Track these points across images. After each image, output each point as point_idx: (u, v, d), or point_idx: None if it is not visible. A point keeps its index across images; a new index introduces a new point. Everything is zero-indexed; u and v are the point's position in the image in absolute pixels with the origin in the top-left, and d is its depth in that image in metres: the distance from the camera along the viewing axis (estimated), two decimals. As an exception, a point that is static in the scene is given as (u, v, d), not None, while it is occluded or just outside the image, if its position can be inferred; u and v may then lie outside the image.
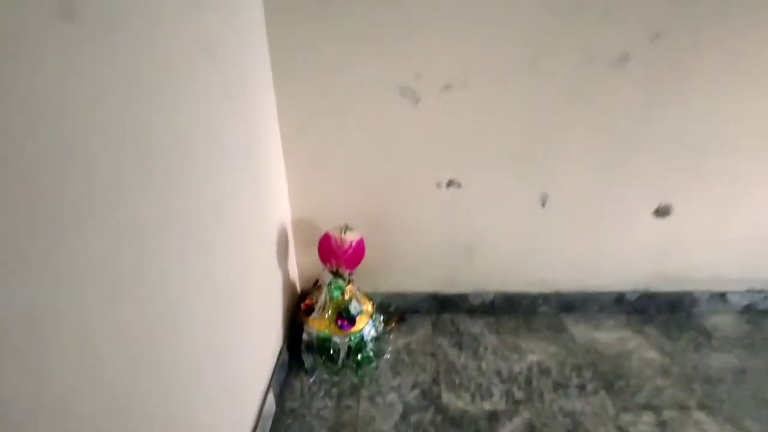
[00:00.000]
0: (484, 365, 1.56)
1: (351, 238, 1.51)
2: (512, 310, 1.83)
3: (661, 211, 1.67)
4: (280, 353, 1.50)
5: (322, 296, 1.58)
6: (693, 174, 1.62)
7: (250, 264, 1.26)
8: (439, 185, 1.64)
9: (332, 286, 1.55)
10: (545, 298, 1.82)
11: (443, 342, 1.68)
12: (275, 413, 1.38)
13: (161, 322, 0.77)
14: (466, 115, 1.53)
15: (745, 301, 1.82)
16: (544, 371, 1.52)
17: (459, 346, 1.66)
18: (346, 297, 1.58)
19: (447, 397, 1.42)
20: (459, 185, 1.64)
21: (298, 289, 1.81)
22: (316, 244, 1.56)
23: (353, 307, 1.57)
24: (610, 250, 1.74)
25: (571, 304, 1.82)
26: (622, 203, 1.67)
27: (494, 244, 1.74)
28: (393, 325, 1.77)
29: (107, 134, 0.61)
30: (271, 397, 1.36)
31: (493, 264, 1.78)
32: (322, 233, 1.55)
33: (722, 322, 1.76)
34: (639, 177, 1.62)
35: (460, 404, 1.40)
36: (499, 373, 1.52)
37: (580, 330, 1.73)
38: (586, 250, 1.74)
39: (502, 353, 1.61)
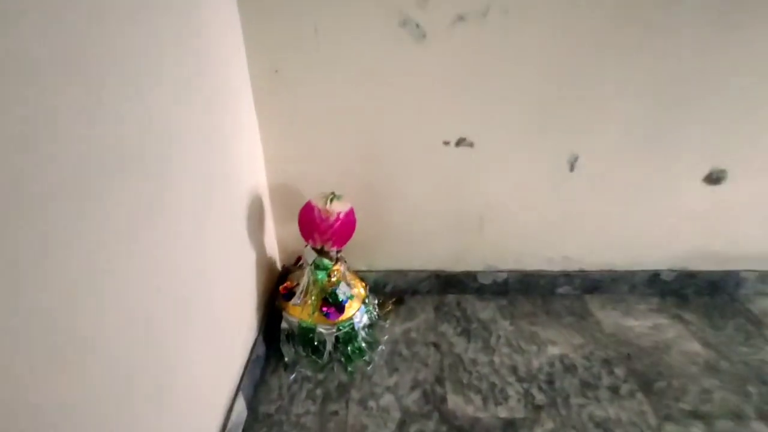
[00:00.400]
0: (497, 359, 1.31)
1: (338, 208, 1.23)
2: (528, 291, 1.58)
3: (714, 178, 1.38)
4: (254, 345, 1.25)
5: (304, 279, 1.31)
6: (756, 135, 1.33)
7: (213, 240, 0.99)
8: (446, 144, 1.35)
9: (316, 268, 1.28)
10: (567, 277, 1.56)
11: (448, 330, 1.43)
12: (246, 420, 1.14)
13: (94, 313, 0.58)
14: (483, 56, 1.22)
15: (798, 282, 1.57)
16: (569, 368, 1.28)
17: (467, 334, 1.41)
18: (333, 279, 1.31)
19: (453, 401, 1.18)
20: (471, 144, 1.35)
21: (279, 267, 1.54)
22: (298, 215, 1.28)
23: (341, 292, 1.31)
24: (648, 222, 1.47)
25: (597, 285, 1.57)
26: (668, 167, 1.38)
27: (510, 214, 1.47)
28: (389, 308, 1.52)
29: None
30: (241, 401, 1.12)
31: (507, 237, 1.51)
32: (304, 203, 1.26)
33: (771, 306, 1.51)
34: (691, 136, 1.33)
35: (470, 410, 1.16)
36: (514, 370, 1.28)
37: (607, 316, 1.48)
38: (618, 223, 1.47)
39: (518, 345, 1.37)
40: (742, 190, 1.40)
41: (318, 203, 1.23)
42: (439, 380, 1.25)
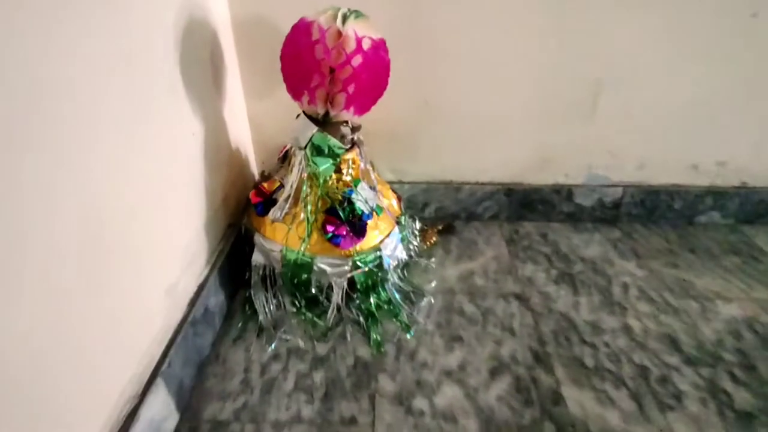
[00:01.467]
0: (635, 324, 0.74)
1: (361, 31, 0.62)
2: (653, 217, 1.00)
3: None
4: (197, 296, 0.67)
5: (292, 175, 0.72)
6: None
7: (126, 109, 0.40)
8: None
9: (313, 152, 0.69)
10: (718, 195, 0.97)
11: (536, 273, 0.85)
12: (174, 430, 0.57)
13: None
14: None
15: None
16: (764, 338, 0.71)
17: (569, 282, 0.83)
18: (346, 176, 0.72)
19: (575, 400, 0.62)
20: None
21: (253, 168, 0.95)
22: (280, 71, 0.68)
23: (361, 199, 0.72)
24: None
25: (764, 211, 0.98)
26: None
27: (637, 86, 0.87)
28: (434, 239, 0.94)
29: None
30: (159, 399, 0.55)
31: (626, 128, 0.91)
32: (300, 18, 0.66)
33: None
34: None
35: (613, 419, 0.59)
36: (675, 343, 0.71)
37: (794, 256, 0.90)
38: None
39: (665, 300, 0.79)
40: None
41: (322, 20, 0.62)
42: (541, 359, 0.68)
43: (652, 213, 0.99)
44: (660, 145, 0.93)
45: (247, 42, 0.82)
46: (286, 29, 0.66)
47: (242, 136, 0.87)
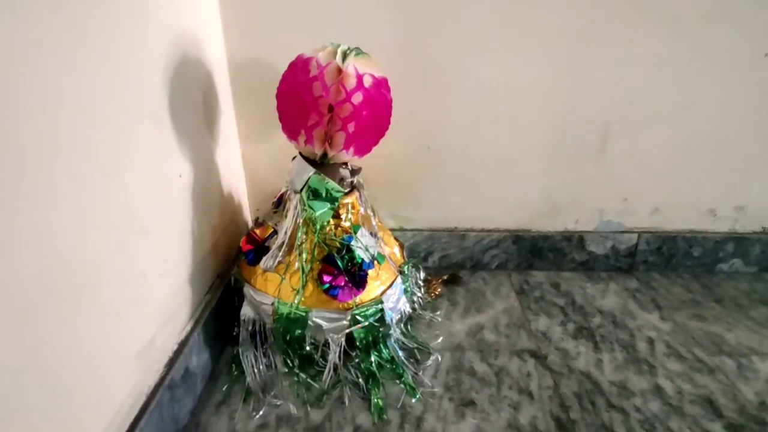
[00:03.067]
0: (667, 385, 0.66)
1: (362, 68, 0.59)
2: (671, 265, 0.94)
3: None
4: (177, 356, 0.59)
5: (287, 220, 0.67)
6: None
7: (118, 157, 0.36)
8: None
9: (309, 196, 0.64)
10: (739, 242, 0.92)
11: (551, 327, 0.78)
12: None
13: None
14: None
15: None
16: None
17: (589, 337, 0.76)
18: (345, 222, 0.67)
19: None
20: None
21: (247, 215, 0.90)
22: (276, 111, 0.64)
23: (362, 245, 0.66)
24: None
25: (788, 256, 0.93)
26: None
27: (648, 131, 0.83)
28: (438, 290, 0.87)
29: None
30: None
31: (640, 172, 0.87)
32: (299, 55, 0.63)
33: None
34: None
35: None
36: (712, 405, 0.63)
37: None
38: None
39: (695, 356, 0.72)
40: None
41: (320, 57, 0.60)
42: (565, 427, 0.59)
43: (669, 260, 0.93)
44: (674, 190, 0.89)
45: (243, 83, 0.79)
46: (284, 70, 0.64)
47: (235, 180, 0.83)
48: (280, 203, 0.75)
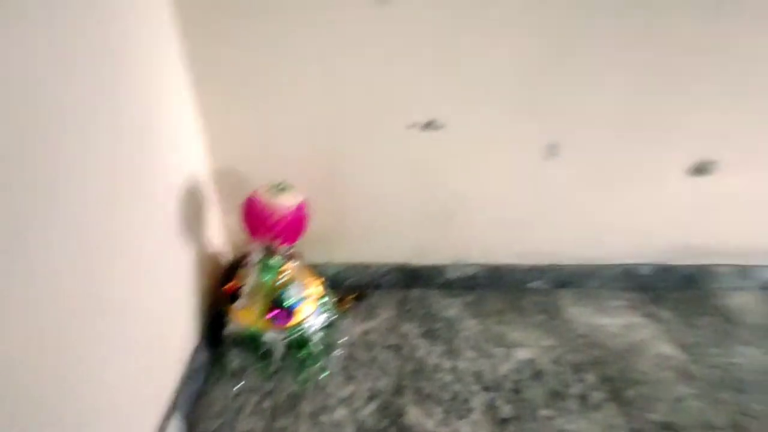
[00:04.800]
0: (461, 365, 1.22)
1: (287, 201, 1.08)
2: (498, 285, 1.48)
3: (699, 169, 1.28)
4: (195, 354, 1.12)
5: (250, 279, 1.17)
6: (749, 126, 1.22)
7: (133, 237, 0.85)
8: (413, 127, 1.21)
9: (262, 268, 1.14)
10: (539, 271, 1.46)
11: (411, 330, 1.33)
12: (182, 440, 1.02)
13: None
14: (454, 23, 1.07)
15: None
16: (537, 375, 1.20)
17: (431, 335, 1.31)
18: (282, 280, 1.17)
19: (413, 415, 1.09)
20: (440, 127, 1.21)
21: (231, 259, 1.39)
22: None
23: (291, 295, 1.17)
24: (626, 213, 1.37)
25: (570, 279, 1.48)
26: (651, 157, 1.27)
27: (481, 204, 1.35)
28: (349, 305, 1.40)
29: None
30: (176, 421, 1.00)
31: (478, 228, 1.39)
32: (250, 193, 1.11)
33: (746, 302, 1.45)
34: (679, 124, 1.22)
35: (430, 425, 1.07)
36: (480, 376, 1.19)
37: (579, 314, 1.39)
38: (595, 214, 1.37)
39: (485, 347, 1.27)
40: (728, 182, 1.30)
41: (262, 196, 1.08)
42: (399, 390, 1.15)
43: (497, 283, 1.47)
44: (499, 239, 1.41)
45: (225, 184, 1.27)
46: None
47: (219, 243, 1.32)
48: (244, 259, 1.25)
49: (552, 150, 1.24)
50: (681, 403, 1.13)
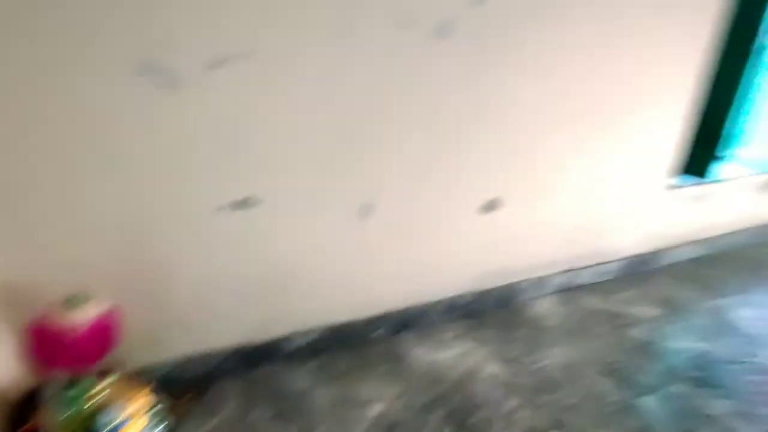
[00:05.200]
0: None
1: (86, 315, 0.94)
2: (343, 344, 1.49)
3: (489, 206, 1.50)
4: None
5: (52, 416, 0.98)
6: (526, 165, 1.50)
7: None
8: (222, 209, 1.17)
9: (62, 401, 0.96)
10: (377, 321, 1.53)
11: (260, 415, 1.25)
12: None
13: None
14: (254, 101, 1.10)
15: (560, 281, 1.82)
16: (391, 427, 1.23)
17: (282, 416, 1.25)
18: (96, 403, 1.01)
19: None
20: (256, 204, 1.20)
21: (23, 392, 1.14)
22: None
23: (111, 419, 1.01)
24: (441, 252, 1.53)
25: (405, 322, 1.57)
26: (449, 202, 1.45)
27: (311, 270, 1.37)
28: (186, 405, 1.26)
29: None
30: None
31: (312, 293, 1.40)
32: (34, 317, 0.93)
33: (546, 307, 1.73)
34: (465, 171, 1.42)
35: None
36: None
37: (421, 353, 1.49)
38: (412, 259, 1.50)
39: (339, 413, 1.27)
40: (513, 211, 1.55)
41: (50, 318, 0.92)
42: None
43: (341, 342, 1.48)
44: (334, 298, 1.43)
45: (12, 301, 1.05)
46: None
47: (9, 375, 1.07)
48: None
49: (366, 209, 1.33)
50: (511, 417, 1.28)
